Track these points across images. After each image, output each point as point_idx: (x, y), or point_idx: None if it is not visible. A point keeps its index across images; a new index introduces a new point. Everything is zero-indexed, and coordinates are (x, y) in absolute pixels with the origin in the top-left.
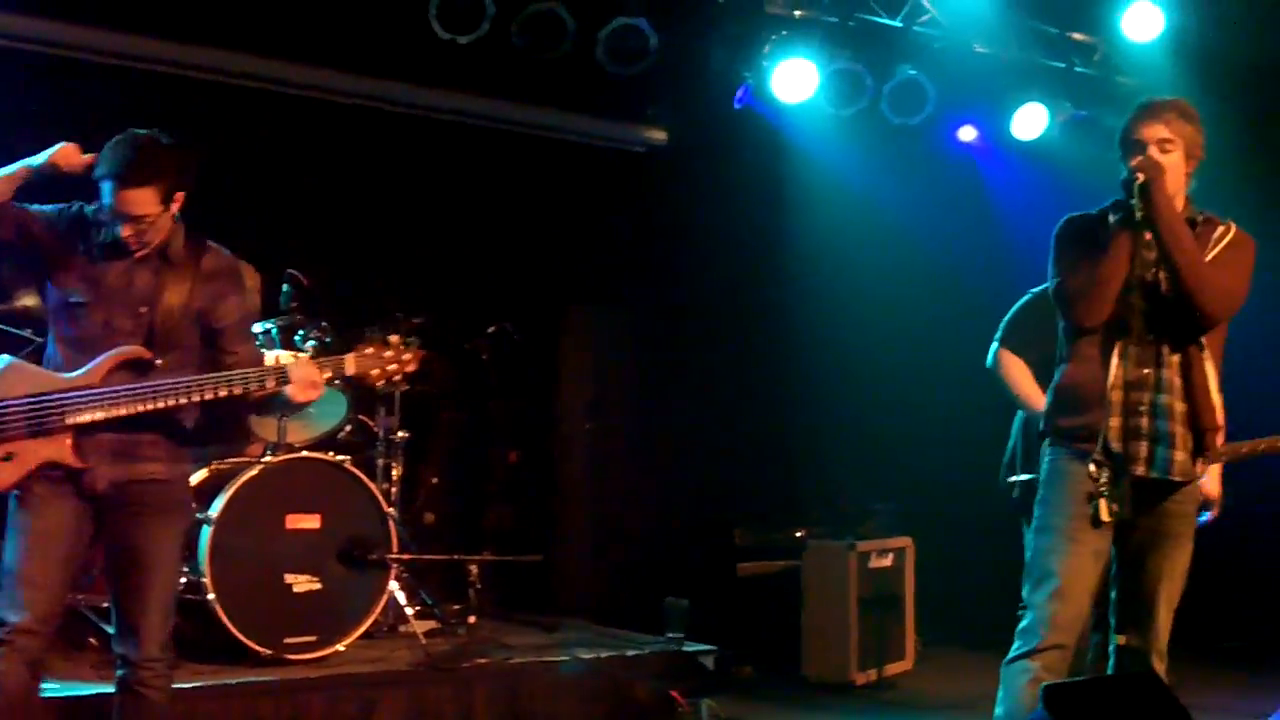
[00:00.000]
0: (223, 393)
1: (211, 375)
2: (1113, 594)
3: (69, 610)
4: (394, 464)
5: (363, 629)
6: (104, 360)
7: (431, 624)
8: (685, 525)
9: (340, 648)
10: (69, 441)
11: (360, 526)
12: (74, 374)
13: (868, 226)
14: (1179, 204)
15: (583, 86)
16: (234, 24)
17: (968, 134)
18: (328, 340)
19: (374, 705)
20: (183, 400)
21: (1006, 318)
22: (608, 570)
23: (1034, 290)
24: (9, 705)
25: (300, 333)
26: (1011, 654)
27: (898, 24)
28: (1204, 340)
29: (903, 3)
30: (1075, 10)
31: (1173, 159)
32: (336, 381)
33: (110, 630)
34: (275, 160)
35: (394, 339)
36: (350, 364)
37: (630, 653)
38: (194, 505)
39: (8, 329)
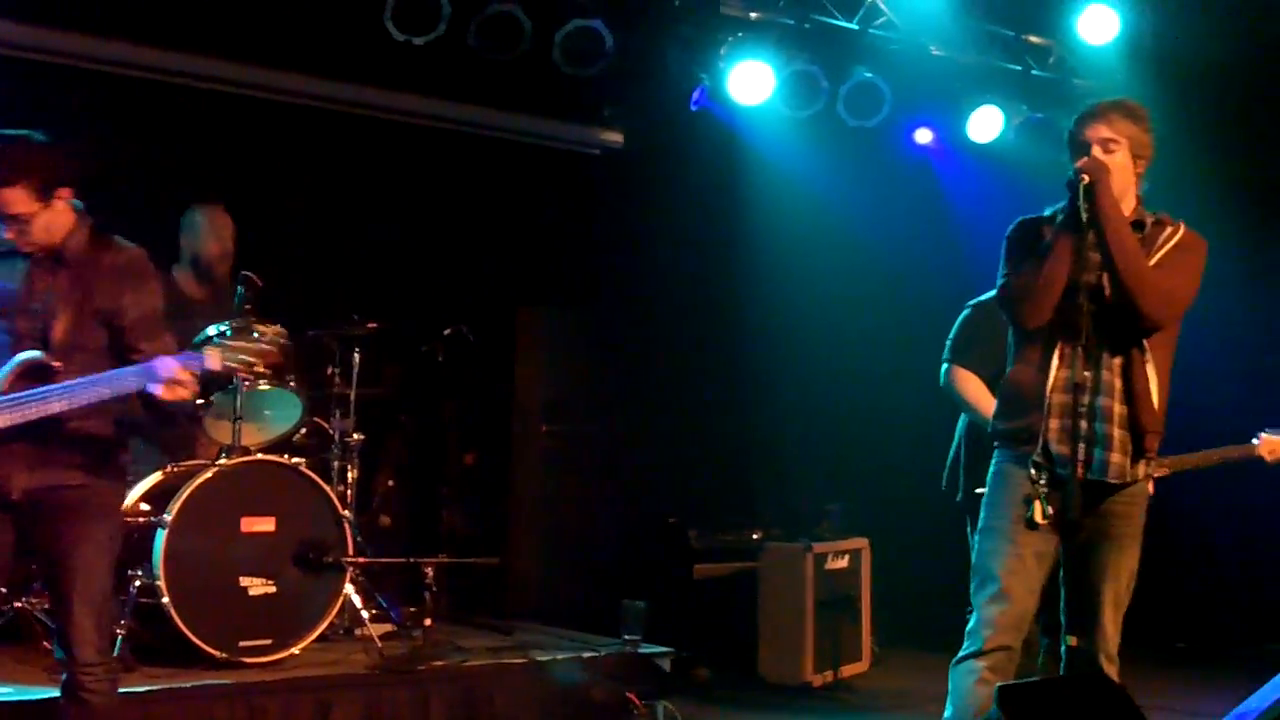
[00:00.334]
0: (92, 396)
1: (83, 379)
2: (1062, 596)
3: (22, 614)
4: (349, 467)
5: (318, 632)
6: (10, 367)
7: (387, 627)
8: (641, 527)
9: (296, 651)
10: None
11: (315, 529)
12: None
13: (824, 228)
14: (1128, 204)
15: (539, 88)
16: (184, 24)
17: (924, 136)
18: (282, 343)
19: (329, 708)
20: (56, 407)
21: (951, 335)
22: (564, 573)
23: (972, 304)
24: None
25: (255, 335)
26: (959, 655)
27: (854, 26)
28: (1146, 343)
29: (859, 5)
30: (1031, 13)
31: (1118, 159)
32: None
33: None
34: (227, 162)
35: (262, 328)
36: (213, 359)
37: (586, 654)
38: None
39: None
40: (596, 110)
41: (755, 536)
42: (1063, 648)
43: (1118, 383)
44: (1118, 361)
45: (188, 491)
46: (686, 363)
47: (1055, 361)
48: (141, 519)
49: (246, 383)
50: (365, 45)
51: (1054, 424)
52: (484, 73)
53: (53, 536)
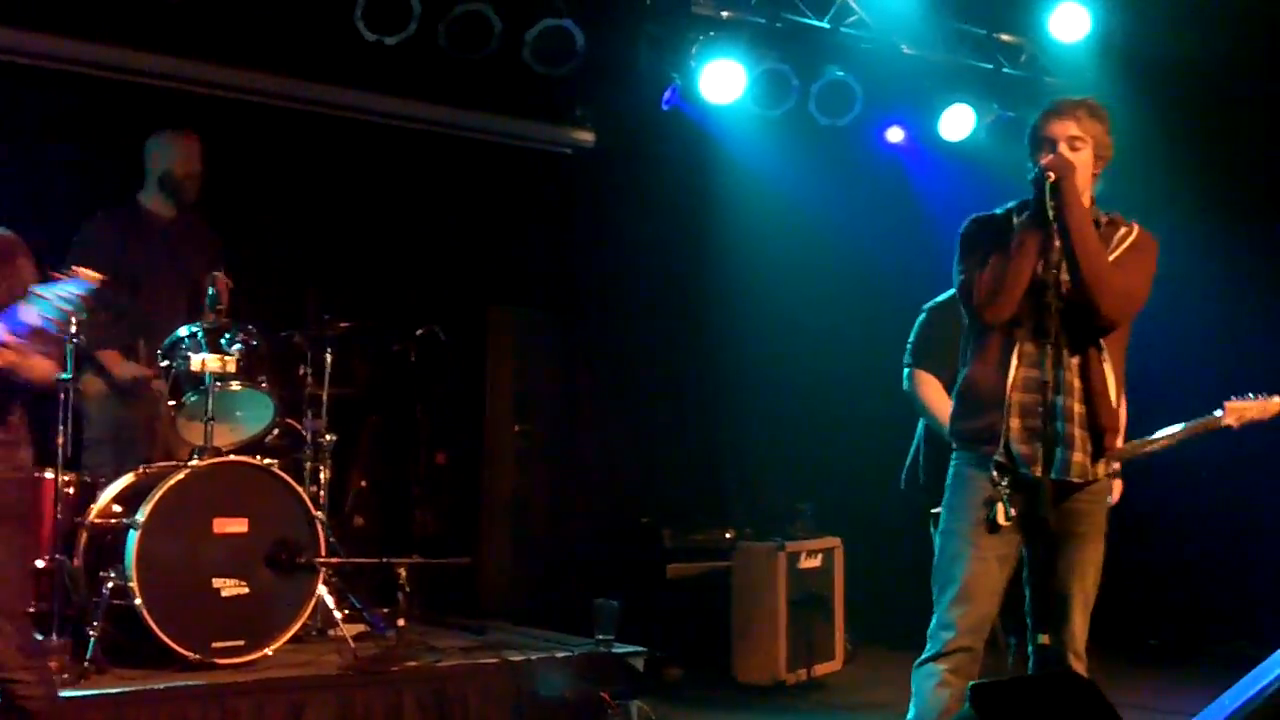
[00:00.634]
0: None
1: None
2: (1027, 596)
3: None
4: (322, 467)
5: (291, 633)
6: None
7: (360, 627)
8: (614, 527)
9: (268, 652)
10: None
11: (288, 530)
12: None
13: (795, 227)
14: (1085, 201)
15: (510, 88)
16: (150, 24)
17: (895, 135)
18: (254, 343)
19: (302, 709)
20: None
21: (911, 339)
22: (536, 573)
23: (928, 306)
24: None
25: (226, 335)
26: (920, 657)
27: (825, 25)
28: (1104, 342)
29: (830, 4)
30: (1002, 11)
31: (1082, 157)
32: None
33: (37, 636)
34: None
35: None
36: (29, 314)
37: (559, 654)
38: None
39: None
40: (568, 110)
41: (728, 536)
42: (1030, 646)
43: (1076, 382)
44: (1076, 361)
45: (159, 493)
46: (658, 362)
47: (1015, 360)
48: (113, 521)
49: (218, 384)
50: (336, 45)
51: (1015, 423)
52: (455, 72)
53: None
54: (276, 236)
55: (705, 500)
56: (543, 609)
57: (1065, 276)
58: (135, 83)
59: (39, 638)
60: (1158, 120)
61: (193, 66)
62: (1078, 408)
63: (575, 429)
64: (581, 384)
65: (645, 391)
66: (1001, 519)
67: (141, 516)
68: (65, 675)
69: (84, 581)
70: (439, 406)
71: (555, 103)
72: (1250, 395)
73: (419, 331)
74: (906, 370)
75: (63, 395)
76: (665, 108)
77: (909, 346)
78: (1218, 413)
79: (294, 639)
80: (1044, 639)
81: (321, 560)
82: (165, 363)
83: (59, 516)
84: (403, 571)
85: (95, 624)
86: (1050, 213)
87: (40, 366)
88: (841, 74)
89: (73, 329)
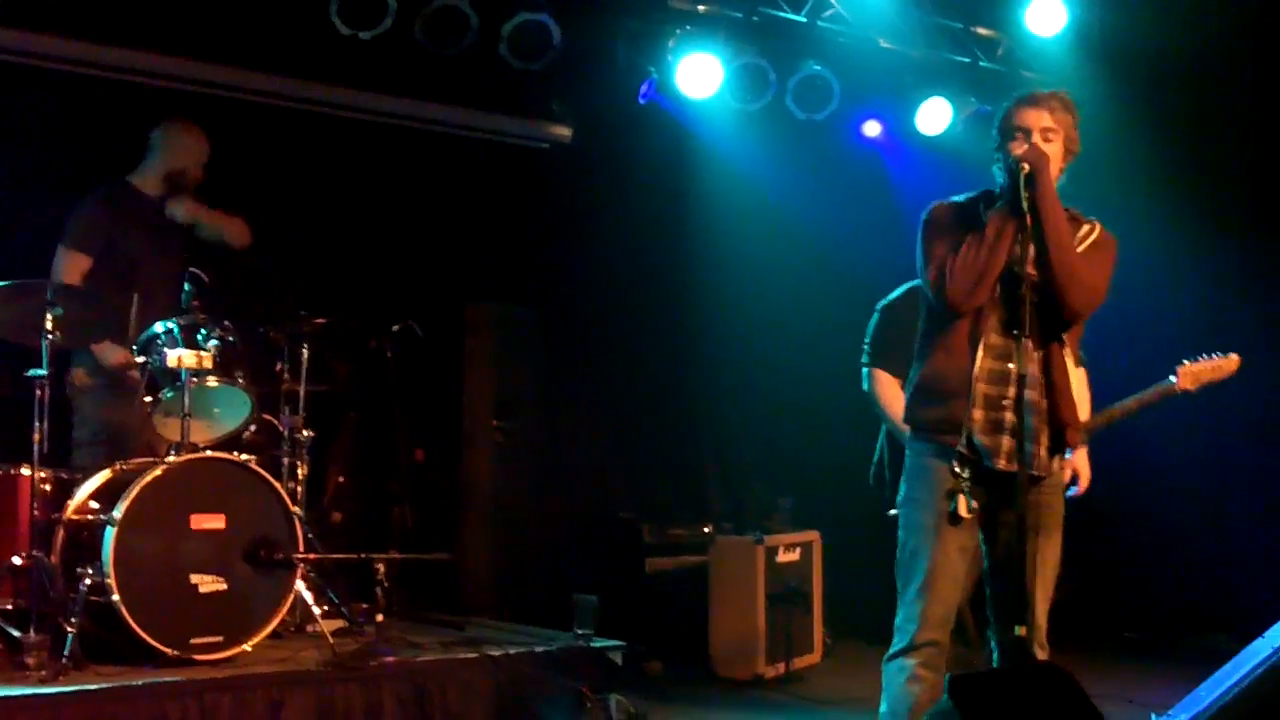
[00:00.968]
0: None
1: None
2: (988, 590)
3: None
4: (299, 463)
5: (269, 629)
6: None
7: (339, 623)
8: (592, 523)
9: (247, 648)
10: None
11: (266, 526)
12: None
13: (773, 222)
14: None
15: (487, 82)
16: (124, 20)
17: (872, 129)
18: (231, 339)
19: (281, 705)
20: None
21: (867, 340)
22: (515, 568)
23: (880, 306)
24: None
25: (203, 331)
26: (889, 652)
27: (802, 19)
28: (1065, 337)
29: None
30: (979, 6)
31: (1054, 149)
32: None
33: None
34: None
35: None
36: None
37: (539, 649)
38: None
39: None
40: (544, 104)
41: (706, 530)
42: (993, 639)
43: (1040, 375)
44: (1039, 354)
45: (137, 489)
46: (637, 357)
47: (980, 352)
48: (90, 517)
49: (194, 380)
50: (311, 40)
51: (978, 414)
52: (431, 67)
53: None
54: (254, 231)
55: (684, 495)
56: (522, 604)
57: (1031, 270)
58: (108, 78)
59: (16, 634)
60: (1134, 113)
61: (165, 61)
62: (1040, 400)
63: (554, 424)
64: (559, 379)
65: (624, 387)
66: (963, 511)
67: (119, 513)
68: (43, 672)
69: (61, 578)
70: (417, 402)
71: (532, 97)
72: (1203, 356)
73: (396, 327)
74: (865, 370)
75: (39, 391)
76: (642, 102)
77: (865, 347)
78: (1171, 379)
79: (272, 635)
80: (1021, 631)
81: (299, 556)
82: (141, 358)
83: (36, 513)
84: (381, 567)
85: (73, 620)
86: (1024, 204)
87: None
88: (819, 68)
89: (49, 324)
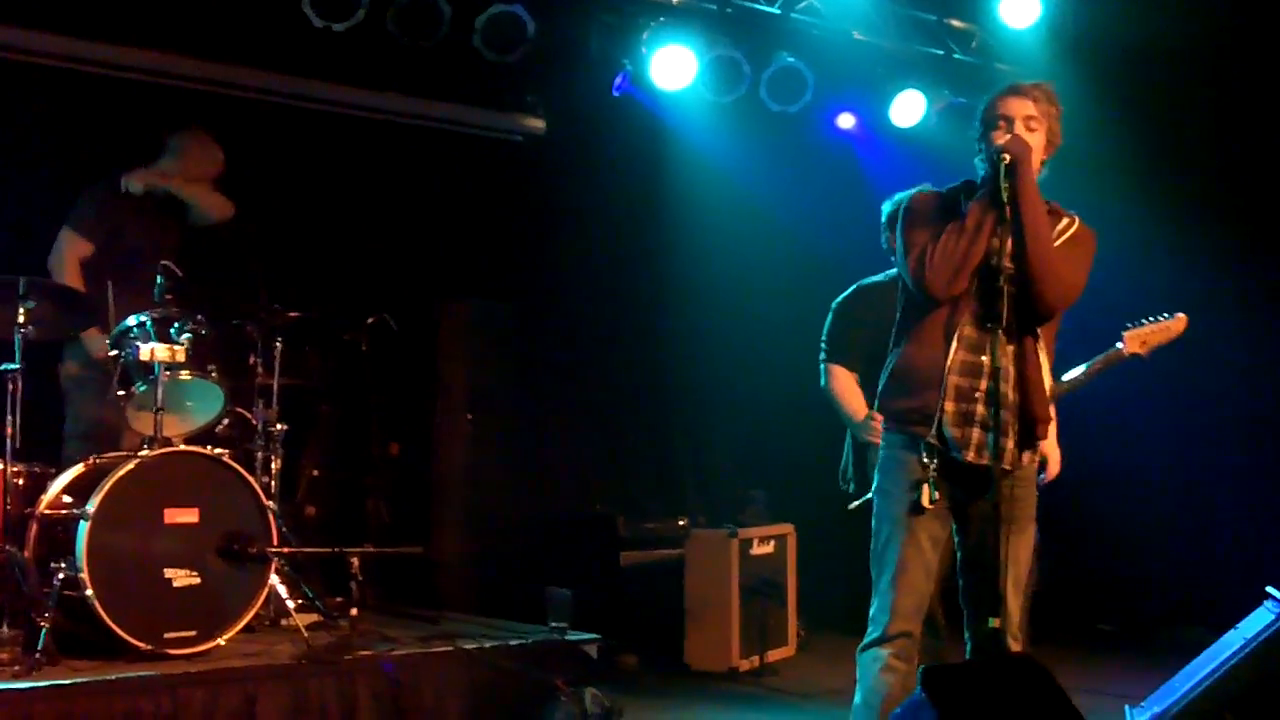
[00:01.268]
0: None
1: None
2: (960, 582)
3: None
4: (273, 457)
5: (243, 623)
6: None
7: (313, 617)
8: (567, 516)
9: (221, 642)
10: None
11: (240, 520)
12: None
13: (747, 214)
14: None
15: (460, 75)
16: (96, 11)
17: (846, 121)
18: (204, 333)
19: (255, 699)
20: None
21: (824, 337)
22: (490, 562)
23: (836, 303)
24: None
25: (176, 325)
26: (863, 642)
27: (775, 11)
28: (1040, 331)
29: None
30: None
31: (1036, 140)
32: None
33: None
34: (143, 151)
35: None
36: None
37: (513, 642)
38: None
39: None
40: (518, 97)
41: (681, 524)
42: (966, 631)
43: (1012, 368)
44: (1013, 347)
45: (110, 483)
46: (611, 350)
47: (954, 344)
48: (63, 511)
49: (167, 374)
50: (283, 32)
51: (950, 407)
52: (404, 60)
53: None
54: (226, 225)
55: (658, 488)
56: (496, 598)
57: (1009, 263)
58: (81, 71)
59: None
60: (1107, 105)
61: (138, 54)
62: (1011, 394)
63: (528, 418)
64: (533, 372)
65: (597, 380)
66: (925, 501)
67: (92, 507)
68: (16, 667)
69: (35, 572)
70: (391, 396)
71: (506, 90)
72: (1148, 319)
73: (370, 320)
74: (822, 366)
75: (10, 385)
76: (616, 94)
77: (822, 344)
78: (1118, 344)
79: (246, 629)
80: (995, 623)
81: (274, 550)
82: (115, 352)
83: (9, 507)
84: (355, 561)
85: (46, 615)
86: (1004, 195)
87: None
88: (792, 60)
89: (20, 318)
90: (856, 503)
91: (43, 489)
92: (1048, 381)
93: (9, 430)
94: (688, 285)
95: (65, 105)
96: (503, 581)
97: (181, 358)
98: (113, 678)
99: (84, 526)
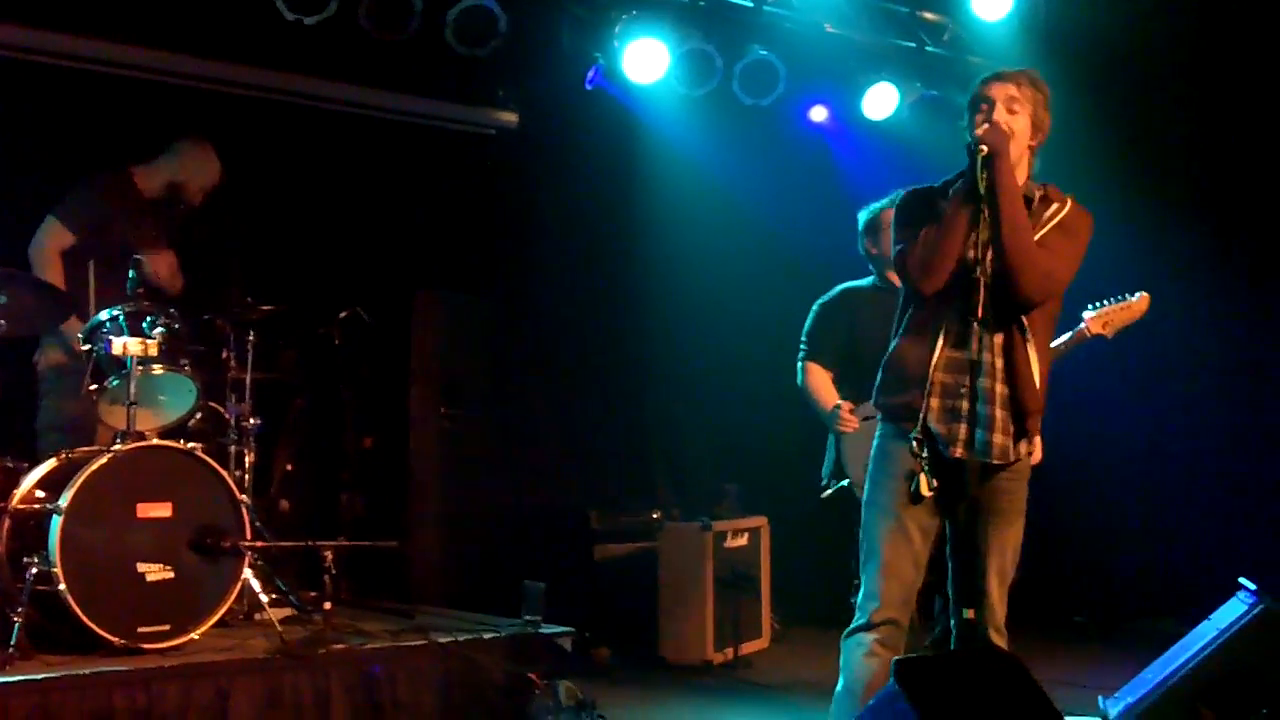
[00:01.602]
0: None
1: None
2: (949, 572)
3: None
4: (246, 451)
5: (217, 617)
6: None
7: (287, 611)
8: (540, 510)
9: (195, 636)
10: None
11: (213, 514)
12: None
13: (719, 207)
14: (1020, 175)
15: (432, 69)
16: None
17: (819, 114)
18: (176, 327)
19: (229, 693)
20: None
21: (804, 333)
22: (463, 556)
23: (819, 302)
24: None
25: (148, 319)
26: (849, 628)
27: (748, 4)
28: (1029, 321)
29: None
30: None
31: (1019, 123)
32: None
33: None
34: (116, 144)
35: None
36: None
37: (487, 635)
38: None
39: None
40: (490, 90)
41: (654, 517)
42: (952, 621)
43: (999, 362)
44: (999, 341)
45: (82, 478)
46: (584, 344)
47: (940, 340)
48: (36, 506)
49: (140, 368)
50: (255, 25)
51: (934, 403)
52: (376, 53)
53: None
54: (198, 218)
55: (632, 482)
56: (470, 591)
57: (989, 256)
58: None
59: None
60: (1080, 98)
61: (107, 48)
62: (999, 388)
63: (502, 412)
64: (507, 366)
65: (571, 374)
66: (925, 490)
67: (65, 501)
68: None
69: (7, 567)
70: (365, 390)
71: (478, 84)
72: (1108, 300)
73: (343, 314)
74: (800, 364)
75: None
76: (589, 88)
77: (802, 342)
78: (1080, 325)
79: (220, 623)
80: (969, 614)
81: (247, 544)
82: (87, 346)
83: None
84: (329, 555)
85: (19, 610)
86: (981, 187)
87: None
88: (765, 53)
89: None
90: (828, 491)
91: (15, 484)
92: (1037, 372)
93: None
94: (661, 278)
95: (33, 99)
96: (477, 575)
97: (154, 352)
98: (86, 672)
99: (57, 521)
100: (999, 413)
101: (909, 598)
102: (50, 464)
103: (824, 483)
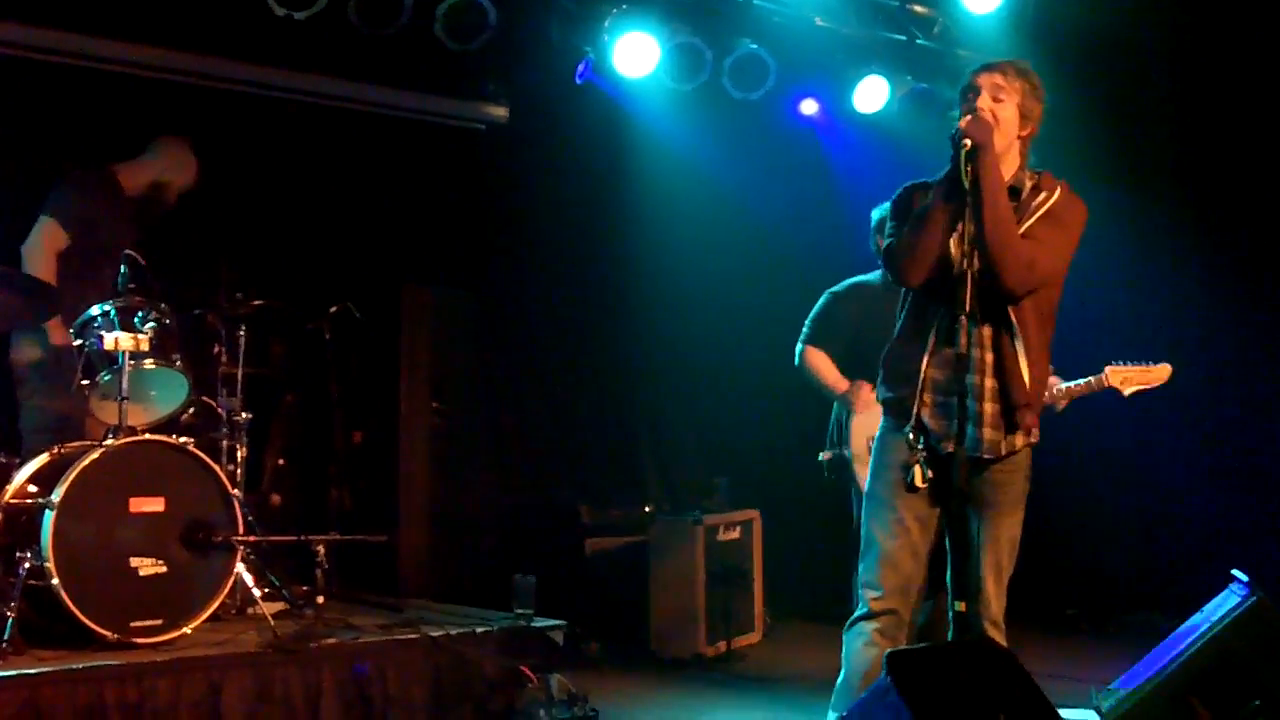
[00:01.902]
0: None
1: None
2: (948, 564)
3: None
4: (238, 445)
5: (209, 611)
6: None
7: (279, 605)
8: (531, 504)
9: (187, 630)
10: None
11: (205, 509)
12: None
13: (709, 201)
14: (1010, 164)
15: (422, 63)
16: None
17: (809, 108)
18: (167, 322)
19: (221, 687)
20: None
21: (810, 317)
22: (454, 550)
23: (830, 291)
24: None
25: (139, 314)
26: (851, 618)
27: None
28: (1022, 312)
29: None
30: None
31: (1005, 111)
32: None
33: None
34: (107, 140)
35: None
36: None
37: (479, 629)
38: None
39: None
40: (480, 85)
41: (645, 510)
42: (950, 614)
43: (988, 357)
44: (989, 335)
45: (75, 472)
46: (574, 338)
47: (931, 335)
48: (29, 500)
49: (131, 363)
50: (245, 20)
51: (927, 399)
52: (366, 48)
53: None
54: (190, 213)
55: (622, 476)
56: (461, 586)
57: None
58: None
59: None
60: (1069, 92)
61: (94, 43)
62: (989, 383)
63: (492, 406)
64: (497, 361)
65: (561, 367)
66: (919, 480)
67: (57, 496)
68: None
69: None
70: (355, 385)
71: (468, 78)
72: (1130, 362)
73: (333, 310)
74: (799, 348)
75: None
76: (579, 82)
77: (805, 325)
78: (1100, 374)
79: (212, 618)
80: (961, 606)
81: (239, 538)
82: (78, 341)
83: None
84: (321, 549)
85: (12, 605)
86: (965, 179)
87: None
88: (755, 47)
89: None
90: (828, 455)
91: (7, 479)
92: (1025, 366)
93: None
94: (651, 272)
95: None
96: (467, 569)
97: (145, 347)
98: (78, 667)
99: (49, 516)
100: (989, 407)
101: (908, 589)
102: (42, 459)
103: (826, 449)
